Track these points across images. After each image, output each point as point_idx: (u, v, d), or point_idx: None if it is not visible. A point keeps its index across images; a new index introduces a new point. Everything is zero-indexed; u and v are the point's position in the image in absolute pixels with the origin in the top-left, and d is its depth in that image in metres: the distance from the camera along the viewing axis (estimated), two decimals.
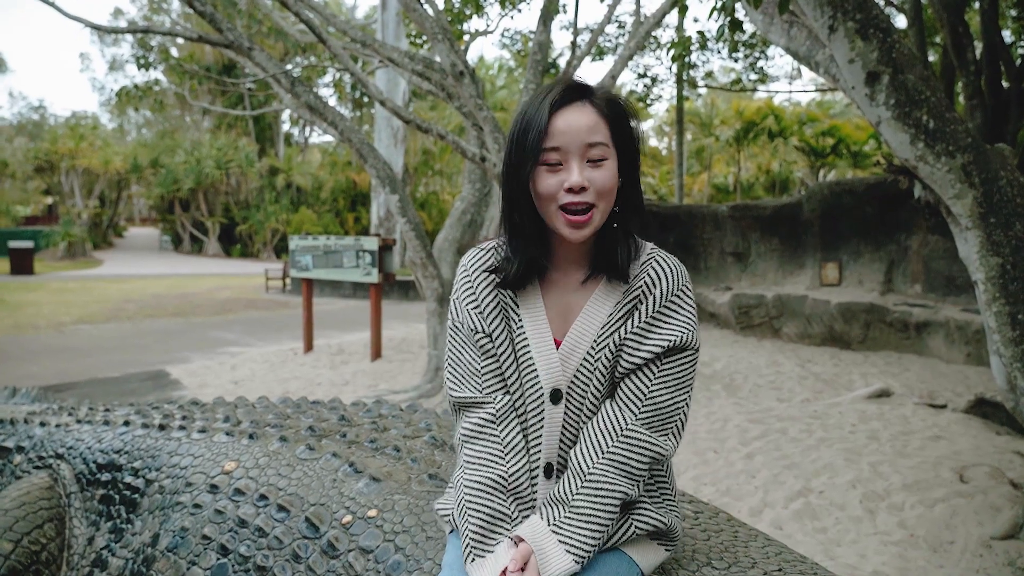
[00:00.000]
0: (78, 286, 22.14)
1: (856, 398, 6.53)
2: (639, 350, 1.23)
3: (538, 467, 1.26)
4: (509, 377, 1.28)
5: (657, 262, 1.27)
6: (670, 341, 1.21)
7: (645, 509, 1.28)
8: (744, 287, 11.49)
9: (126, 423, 2.53)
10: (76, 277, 26.18)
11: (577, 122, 1.19)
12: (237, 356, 9.93)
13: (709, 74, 17.68)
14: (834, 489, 4.34)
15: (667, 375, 1.22)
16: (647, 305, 1.24)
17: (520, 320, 1.28)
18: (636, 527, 1.26)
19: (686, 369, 1.23)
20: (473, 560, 1.17)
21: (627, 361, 1.23)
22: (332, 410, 2.48)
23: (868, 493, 4.25)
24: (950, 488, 4.25)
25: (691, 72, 16.65)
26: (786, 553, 1.57)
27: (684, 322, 1.23)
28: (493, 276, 1.29)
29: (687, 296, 1.26)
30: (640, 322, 1.24)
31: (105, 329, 13.06)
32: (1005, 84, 11.50)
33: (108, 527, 2.28)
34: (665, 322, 1.23)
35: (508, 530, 1.20)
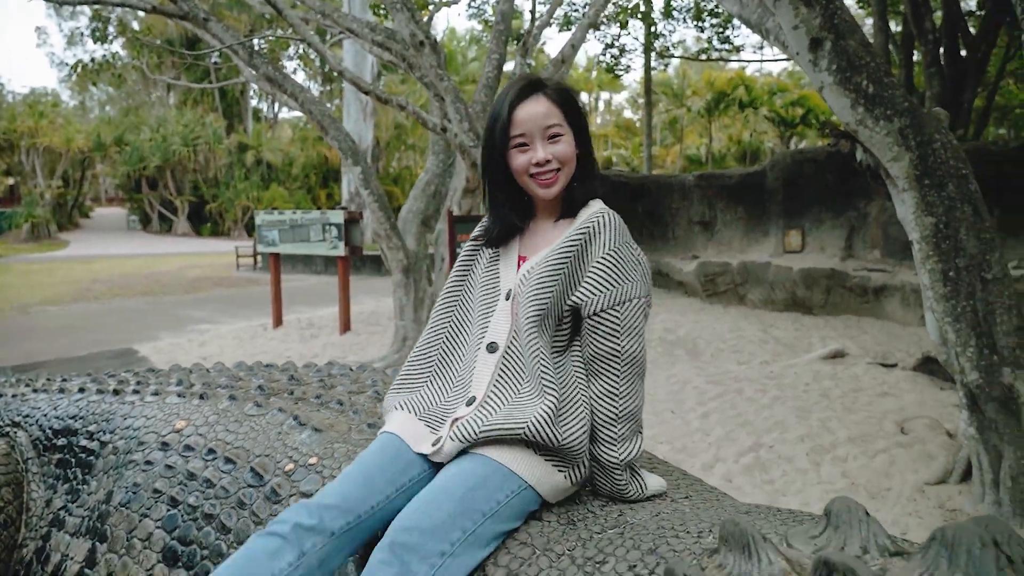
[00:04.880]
0: (43, 268, 21.77)
1: (812, 359, 6.73)
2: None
3: (483, 344, 1.55)
4: (479, 282, 1.63)
5: (604, 213, 1.57)
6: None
7: (550, 412, 1.42)
8: (710, 255, 11.67)
9: (81, 390, 2.58)
10: (41, 259, 25.71)
11: (534, 111, 1.53)
12: (206, 333, 9.91)
13: (677, 44, 17.70)
14: (784, 444, 4.52)
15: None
16: (594, 248, 1.51)
17: (496, 253, 1.65)
18: (535, 417, 1.39)
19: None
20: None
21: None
22: (283, 371, 2.55)
23: (815, 447, 4.44)
24: (891, 440, 4.45)
25: (659, 41, 16.65)
26: (698, 485, 1.69)
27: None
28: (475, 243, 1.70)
29: (631, 249, 1.54)
30: (591, 265, 1.51)
31: (72, 310, 12.92)
32: (963, 53, 11.73)
33: (65, 489, 2.34)
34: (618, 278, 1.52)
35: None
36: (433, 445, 1.47)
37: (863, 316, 9.34)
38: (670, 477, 1.70)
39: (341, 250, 8.56)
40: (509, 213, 1.62)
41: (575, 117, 1.57)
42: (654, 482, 1.57)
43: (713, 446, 4.57)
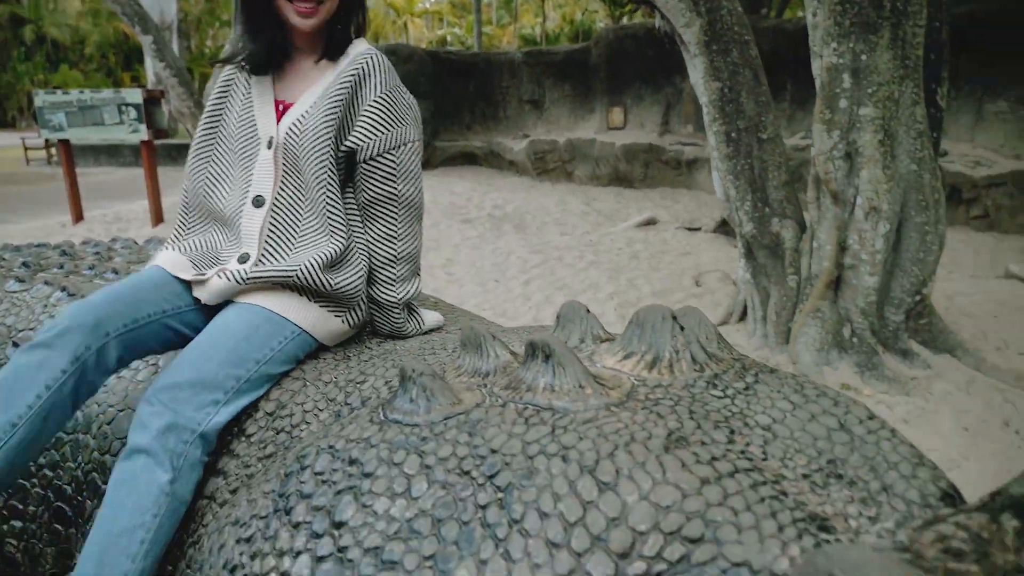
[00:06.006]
0: None
1: (627, 227, 7.20)
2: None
3: (247, 197, 1.47)
4: (234, 130, 1.50)
5: (372, 54, 1.49)
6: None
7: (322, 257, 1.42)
8: (540, 133, 11.86)
9: None
10: None
11: None
12: None
13: None
14: (596, 302, 4.88)
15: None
16: (366, 90, 1.46)
17: (249, 91, 1.51)
18: (307, 263, 1.40)
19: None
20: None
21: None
22: (55, 249, 2.36)
23: (622, 302, 4.84)
24: (687, 291, 4.95)
25: None
26: (478, 320, 1.81)
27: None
28: (233, 68, 1.52)
29: (401, 92, 1.51)
30: (364, 106, 1.46)
31: None
32: None
33: None
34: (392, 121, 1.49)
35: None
36: (201, 286, 1.42)
37: (677, 187, 10.04)
38: (451, 315, 1.80)
39: (143, 133, 7.76)
40: (265, 39, 1.48)
41: None
42: (431, 318, 1.66)
43: (533, 309, 4.84)
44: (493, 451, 0.85)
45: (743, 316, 4.38)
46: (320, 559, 0.85)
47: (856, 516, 0.71)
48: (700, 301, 4.72)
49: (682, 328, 1.03)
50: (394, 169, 1.48)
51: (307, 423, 1.26)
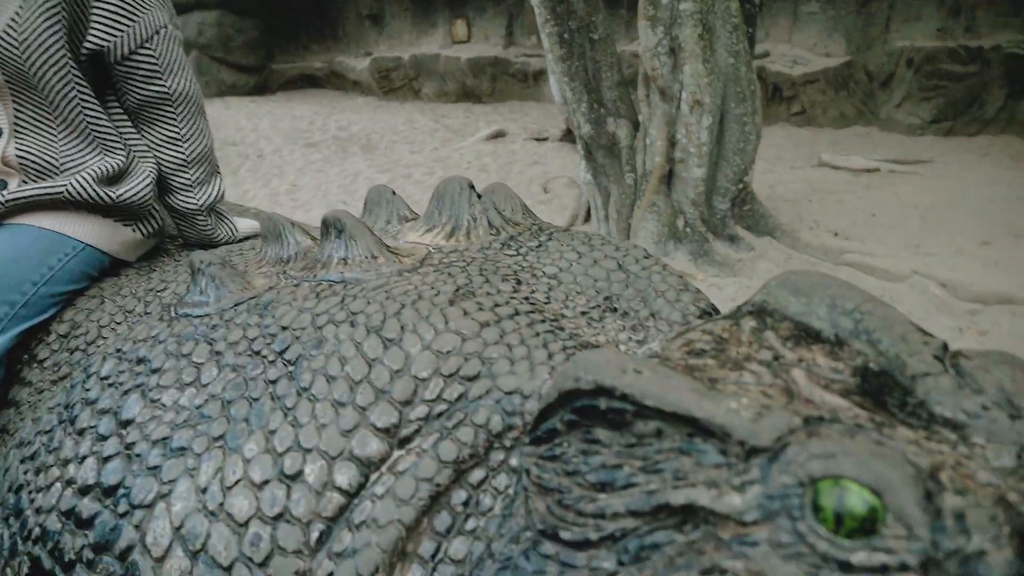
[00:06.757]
0: None
1: (476, 140, 7.16)
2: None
3: None
4: None
5: None
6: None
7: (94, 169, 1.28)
8: (383, 51, 11.38)
9: None
10: None
11: None
12: None
13: None
14: None
15: None
16: None
17: None
18: (78, 180, 1.26)
19: None
20: None
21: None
22: None
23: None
24: (536, 198, 5.04)
25: None
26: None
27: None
28: None
29: None
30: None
31: None
32: None
33: None
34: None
35: None
36: None
37: (526, 100, 10.04)
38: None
39: None
40: None
41: None
42: (246, 225, 1.58)
43: None
44: (284, 328, 0.83)
45: (588, 217, 4.53)
46: (106, 459, 0.80)
47: (626, 341, 0.76)
48: (548, 207, 4.83)
49: (479, 196, 1.04)
50: (155, 65, 1.31)
51: (104, 338, 1.18)
